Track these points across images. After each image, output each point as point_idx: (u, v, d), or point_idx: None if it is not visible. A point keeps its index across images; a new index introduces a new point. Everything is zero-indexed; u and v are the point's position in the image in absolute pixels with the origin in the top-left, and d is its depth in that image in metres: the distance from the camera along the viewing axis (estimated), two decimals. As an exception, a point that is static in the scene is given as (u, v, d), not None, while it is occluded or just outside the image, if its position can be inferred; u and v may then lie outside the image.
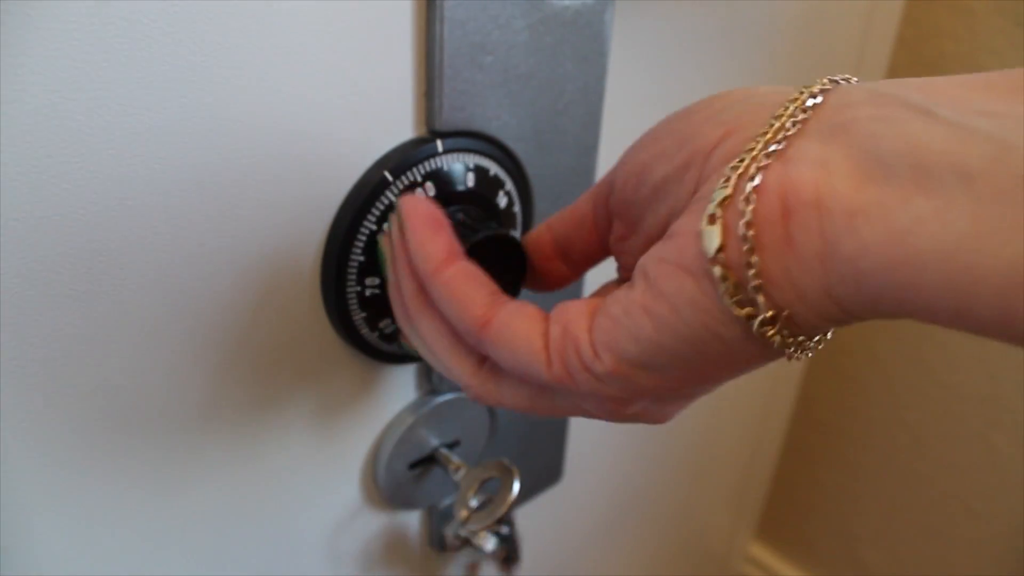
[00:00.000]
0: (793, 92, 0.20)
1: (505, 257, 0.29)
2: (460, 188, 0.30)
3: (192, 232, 0.25)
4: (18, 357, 0.23)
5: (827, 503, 0.84)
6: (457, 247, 0.24)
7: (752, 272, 0.18)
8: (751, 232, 0.18)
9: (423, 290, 0.25)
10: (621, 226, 0.26)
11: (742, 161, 0.19)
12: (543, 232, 0.28)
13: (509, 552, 0.39)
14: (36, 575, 0.27)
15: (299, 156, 0.26)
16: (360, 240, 0.28)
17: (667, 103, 0.41)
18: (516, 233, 0.33)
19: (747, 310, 0.19)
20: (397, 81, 0.28)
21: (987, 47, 0.59)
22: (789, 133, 0.19)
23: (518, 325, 0.23)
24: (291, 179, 0.27)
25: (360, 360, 0.32)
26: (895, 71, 0.63)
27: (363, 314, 0.30)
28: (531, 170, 0.33)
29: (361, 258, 0.29)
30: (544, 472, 0.46)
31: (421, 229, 0.24)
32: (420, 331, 0.25)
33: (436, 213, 0.24)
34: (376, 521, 0.38)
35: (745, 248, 0.18)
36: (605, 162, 0.37)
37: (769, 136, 0.19)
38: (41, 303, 0.23)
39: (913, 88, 0.18)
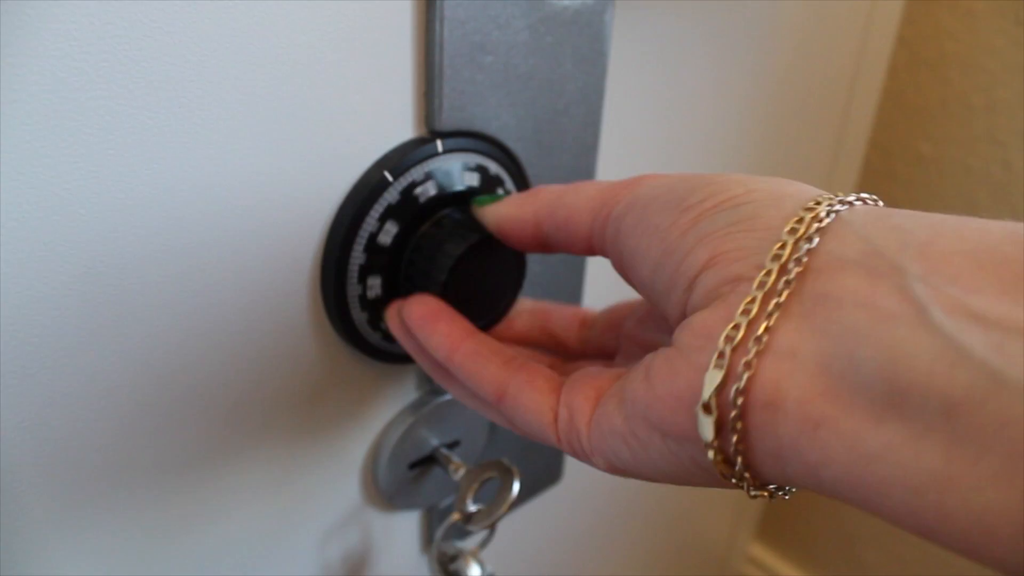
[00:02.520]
0: (788, 218, 0.18)
1: (503, 258, 0.29)
2: (460, 188, 0.30)
3: (191, 232, 0.25)
4: (18, 357, 0.23)
5: (827, 503, 0.84)
6: (459, 329, 0.26)
7: (739, 457, 0.18)
8: (739, 424, 0.18)
9: (439, 365, 0.27)
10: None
11: (730, 339, 0.18)
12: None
13: None
14: (36, 575, 0.27)
15: (298, 156, 0.26)
16: (360, 240, 0.28)
17: (667, 103, 0.41)
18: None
19: (732, 475, 0.19)
20: (397, 81, 0.28)
21: (987, 47, 0.59)
22: (776, 305, 0.17)
23: (528, 401, 0.24)
24: (290, 179, 0.27)
25: (360, 360, 0.32)
26: (895, 71, 0.63)
27: (364, 314, 0.30)
28: (531, 170, 0.33)
29: (362, 258, 0.29)
30: (544, 472, 0.46)
31: (423, 328, 0.26)
32: (452, 394, 0.28)
33: (431, 308, 0.27)
34: (376, 521, 0.38)
35: (734, 439, 0.18)
36: (605, 162, 0.37)
37: (755, 312, 0.17)
38: (41, 304, 0.23)
39: (914, 251, 0.16)
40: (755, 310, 0.17)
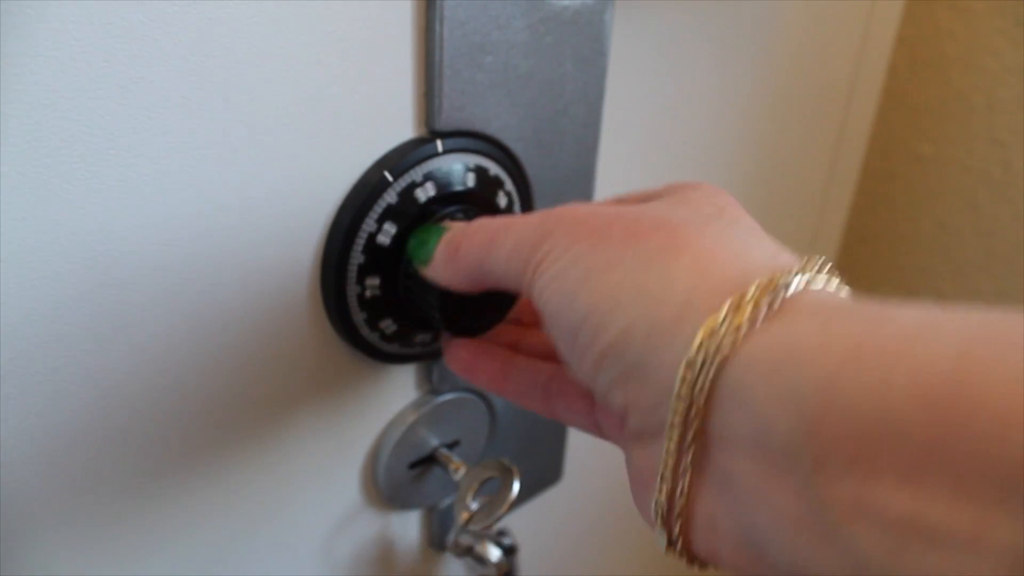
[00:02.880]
0: (675, 368, 0.17)
1: None
2: (460, 188, 0.30)
3: (191, 232, 0.25)
4: (18, 357, 0.23)
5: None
6: (494, 369, 0.28)
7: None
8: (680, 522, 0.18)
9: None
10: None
11: (660, 506, 0.18)
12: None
13: (510, 569, 0.39)
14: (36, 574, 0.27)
15: (298, 156, 0.26)
16: (360, 240, 0.28)
17: (667, 103, 0.41)
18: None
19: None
20: (397, 81, 0.28)
21: (987, 47, 0.59)
22: (687, 476, 0.17)
23: (574, 423, 0.26)
24: (290, 179, 0.27)
25: (360, 360, 0.32)
26: (895, 71, 0.63)
27: (363, 314, 0.30)
28: (531, 170, 0.33)
29: (361, 258, 0.29)
30: (544, 472, 0.46)
31: (468, 379, 0.29)
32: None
33: (464, 363, 0.29)
34: (376, 521, 0.38)
35: (676, 528, 0.18)
36: (605, 162, 0.37)
37: (670, 480, 0.18)
38: (42, 303, 0.23)
39: (807, 429, 0.14)
40: (669, 478, 0.18)
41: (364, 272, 0.29)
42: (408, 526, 0.40)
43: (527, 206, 0.34)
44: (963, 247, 0.65)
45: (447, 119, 0.29)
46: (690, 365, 0.16)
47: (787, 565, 0.15)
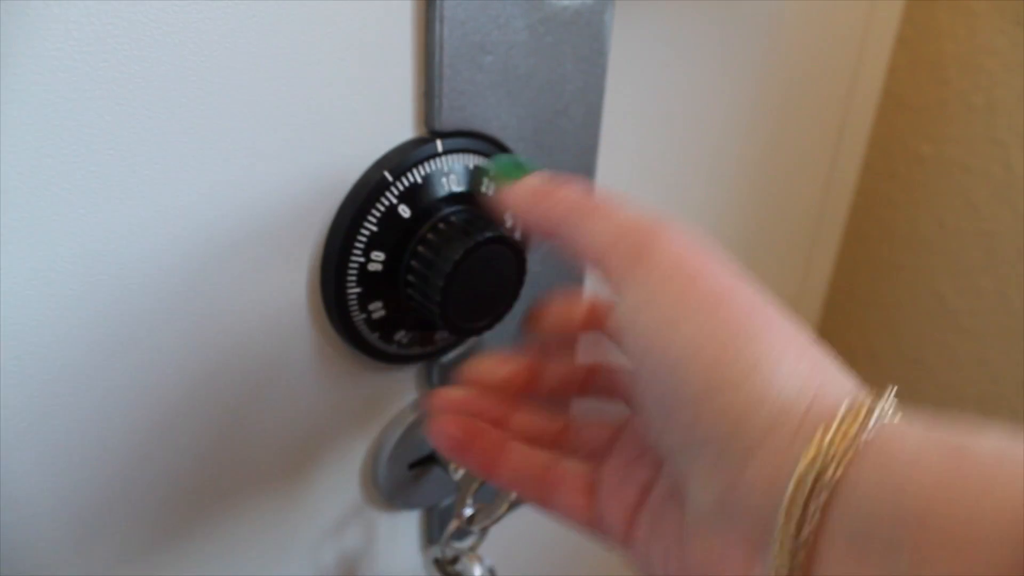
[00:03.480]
0: (783, 488, 0.18)
1: (503, 260, 0.29)
2: (460, 189, 0.30)
3: (191, 231, 0.25)
4: (18, 357, 0.23)
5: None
6: (487, 458, 0.26)
7: None
8: None
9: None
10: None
11: None
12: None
13: None
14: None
15: (298, 156, 0.26)
16: (360, 240, 0.28)
17: (667, 103, 0.41)
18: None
19: None
20: (396, 81, 0.28)
21: (987, 47, 0.59)
22: None
23: (571, 516, 0.25)
24: (290, 179, 0.27)
25: (360, 360, 0.32)
26: (895, 71, 0.63)
27: (363, 315, 0.30)
28: (531, 170, 0.33)
29: (361, 258, 0.29)
30: (544, 472, 0.46)
31: (454, 458, 0.26)
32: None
33: (447, 434, 0.26)
34: (376, 521, 0.38)
35: None
36: (605, 162, 0.37)
37: None
38: (42, 302, 0.23)
39: (941, 510, 0.16)
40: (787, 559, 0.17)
41: (364, 272, 0.29)
42: (408, 526, 0.40)
43: (527, 206, 0.34)
44: (963, 247, 0.65)
45: (447, 119, 0.29)
46: (814, 460, 0.18)
47: None
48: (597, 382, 0.28)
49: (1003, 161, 0.61)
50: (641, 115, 0.40)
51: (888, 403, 0.19)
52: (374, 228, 0.28)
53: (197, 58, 0.23)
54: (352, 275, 0.29)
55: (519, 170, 0.26)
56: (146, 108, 0.22)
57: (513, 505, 0.33)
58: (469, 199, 0.30)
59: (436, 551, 0.36)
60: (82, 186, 0.22)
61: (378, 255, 0.29)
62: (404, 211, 0.29)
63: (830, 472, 0.17)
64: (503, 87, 0.30)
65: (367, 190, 0.28)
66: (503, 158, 0.28)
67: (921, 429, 0.18)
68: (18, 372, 0.23)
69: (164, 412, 0.27)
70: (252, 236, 0.27)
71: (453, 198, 0.30)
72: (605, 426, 0.27)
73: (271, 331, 0.29)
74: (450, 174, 0.30)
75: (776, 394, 0.19)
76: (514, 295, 0.31)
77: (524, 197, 0.25)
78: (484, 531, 0.34)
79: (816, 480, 0.17)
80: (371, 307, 0.30)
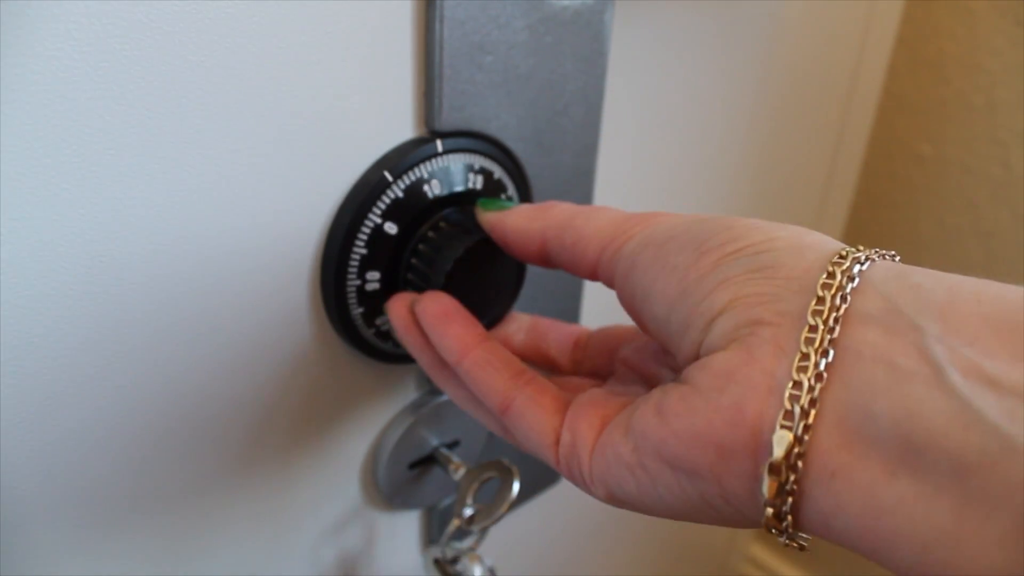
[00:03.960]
0: (810, 270, 0.18)
1: (502, 262, 0.29)
2: (460, 188, 0.30)
3: (191, 232, 0.25)
4: (18, 357, 0.23)
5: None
6: (473, 333, 0.26)
7: (788, 516, 0.18)
8: (796, 486, 0.17)
9: (441, 364, 0.27)
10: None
11: (795, 398, 0.18)
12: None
13: None
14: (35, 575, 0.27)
15: (298, 155, 0.26)
16: (360, 240, 0.28)
17: (667, 103, 0.41)
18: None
19: (779, 529, 0.18)
20: (397, 81, 0.28)
21: (987, 47, 0.59)
22: (827, 365, 0.17)
23: (532, 418, 0.24)
24: (290, 178, 0.27)
25: (360, 360, 0.32)
26: (895, 71, 0.63)
27: (363, 314, 0.30)
28: (531, 170, 0.33)
29: (361, 258, 0.29)
30: (544, 472, 0.46)
31: (436, 327, 0.26)
32: (449, 395, 0.28)
33: (446, 307, 0.27)
34: (376, 521, 0.38)
35: (790, 500, 0.18)
36: (605, 162, 0.37)
37: (811, 372, 0.17)
38: (42, 302, 0.23)
39: (933, 312, 0.17)
40: (810, 368, 0.17)
41: (364, 272, 0.29)
42: (408, 526, 0.40)
43: (527, 206, 0.34)
44: (963, 247, 0.65)
45: (447, 119, 0.29)
46: (839, 261, 0.18)
47: (893, 418, 0.16)
48: (592, 344, 0.29)
49: (1003, 161, 0.61)
50: (641, 115, 0.40)
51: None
52: (374, 228, 0.28)
53: (197, 58, 0.23)
54: (352, 275, 0.29)
55: (506, 205, 0.28)
56: (146, 108, 0.22)
57: (513, 505, 0.33)
58: (469, 198, 0.30)
59: (436, 551, 0.36)
60: (82, 186, 0.22)
61: (378, 255, 0.29)
62: (404, 211, 0.29)
63: (855, 266, 0.18)
64: (503, 87, 0.30)
65: (367, 190, 0.28)
66: (488, 200, 0.29)
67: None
68: (18, 372, 0.23)
69: (164, 412, 0.27)
70: (252, 236, 0.27)
71: (453, 198, 0.30)
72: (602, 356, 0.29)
73: (271, 331, 0.29)
74: (450, 174, 0.30)
75: (786, 233, 0.20)
76: (512, 298, 0.31)
77: (524, 213, 0.27)
78: (484, 531, 0.34)
79: (845, 271, 0.18)
80: (371, 306, 0.30)
